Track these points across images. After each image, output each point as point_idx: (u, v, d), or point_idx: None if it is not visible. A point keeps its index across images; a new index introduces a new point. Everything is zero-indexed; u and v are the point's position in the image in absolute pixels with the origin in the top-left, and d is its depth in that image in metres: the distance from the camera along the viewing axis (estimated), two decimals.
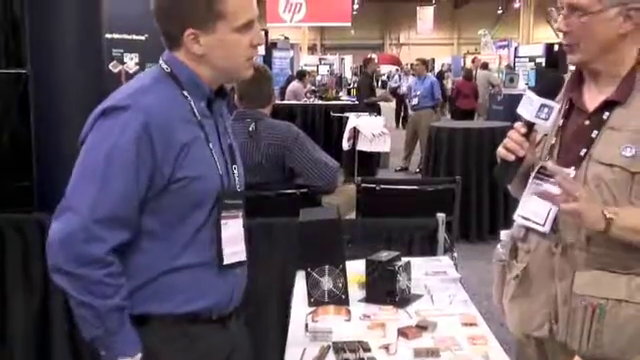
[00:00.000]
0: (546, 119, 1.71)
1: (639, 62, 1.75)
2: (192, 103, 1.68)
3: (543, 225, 1.81)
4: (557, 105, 1.73)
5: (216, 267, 1.70)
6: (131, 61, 5.15)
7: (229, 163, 1.77)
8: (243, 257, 1.77)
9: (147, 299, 1.66)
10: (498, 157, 1.80)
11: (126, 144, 1.55)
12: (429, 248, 3.03)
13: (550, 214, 1.79)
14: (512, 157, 1.75)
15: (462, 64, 24.55)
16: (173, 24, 1.66)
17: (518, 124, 1.77)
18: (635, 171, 1.68)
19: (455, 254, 3.02)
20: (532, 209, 1.83)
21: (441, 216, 3.02)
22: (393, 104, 15.94)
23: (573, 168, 1.75)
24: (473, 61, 19.02)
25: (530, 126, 1.75)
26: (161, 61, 1.72)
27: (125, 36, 5.04)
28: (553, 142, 1.85)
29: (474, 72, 16.26)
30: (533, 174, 1.82)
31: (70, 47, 3.28)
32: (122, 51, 5.12)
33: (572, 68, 1.91)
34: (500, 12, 42.02)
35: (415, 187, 3.69)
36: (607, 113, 1.74)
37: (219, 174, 1.69)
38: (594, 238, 1.73)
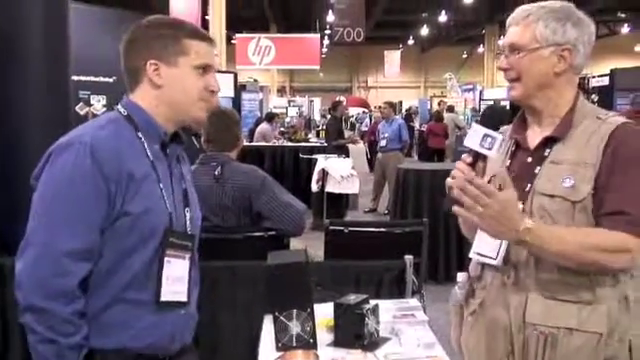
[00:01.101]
0: (490, 148, 1.75)
1: (576, 103, 1.89)
2: (145, 145, 1.76)
3: (495, 258, 1.89)
4: (500, 136, 1.76)
5: (154, 303, 1.75)
6: (98, 103, 5.14)
7: (182, 205, 1.84)
8: (183, 298, 1.82)
9: (94, 333, 1.69)
10: (447, 188, 1.82)
11: (80, 175, 1.63)
12: (397, 290, 3.03)
13: (502, 246, 1.87)
14: None
15: (429, 107, 24.88)
16: (138, 55, 1.78)
17: (465, 155, 1.82)
18: (575, 200, 1.78)
19: (423, 296, 3.03)
20: (484, 244, 1.91)
21: (409, 258, 3.02)
22: (362, 146, 15.95)
23: (521, 203, 1.81)
24: (439, 104, 19.34)
25: (475, 156, 1.79)
26: (119, 106, 1.82)
27: (92, 78, 5.04)
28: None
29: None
30: None
31: (36, 89, 3.26)
32: (89, 93, 5.11)
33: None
34: (465, 56, 42.93)
35: (383, 229, 3.69)
36: (548, 150, 1.87)
37: (167, 212, 1.76)
38: (542, 265, 1.81)
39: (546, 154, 1.87)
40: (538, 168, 1.86)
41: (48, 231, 1.62)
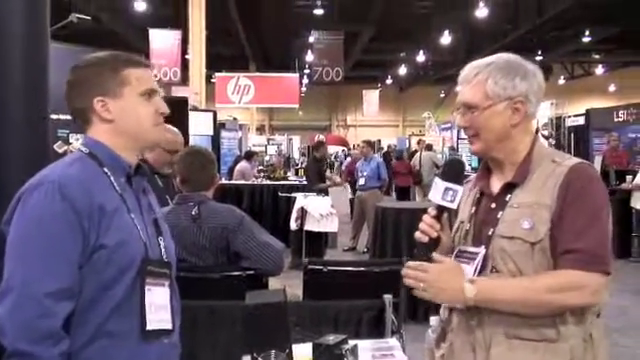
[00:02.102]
0: (452, 201, 1.91)
1: (532, 147, 1.95)
2: (112, 178, 1.78)
3: None
4: (460, 188, 1.92)
5: (140, 333, 1.73)
6: (77, 142, 5.11)
7: (154, 234, 1.86)
8: (168, 326, 1.81)
9: None
10: (416, 239, 1.96)
11: (52, 213, 1.64)
12: (377, 329, 3.01)
13: None
14: (425, 238, 1.93)
15: (407, 145, 25.07)
16: (83, 97, 1.81)
17: (430, 208, 1.96)
18: (533, 241, 1.82)
19: (403, 335, 3.02)
20: None
21: (388, 297, 3.02)
22: (346, 185, 15.09)
23: (483, 247, 1.91)
24: (418, 142, 19.49)
25: (440, 209, 1.94)
26: (80, 145, 1.85)
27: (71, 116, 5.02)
28: (467, 228, 2.01)
29: (419, 153, 16.67)
30: (452, 257, 1.97)
31: (15, 127, 3.24)
32: (68, 132, 5.10)
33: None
34: (443, 96, 43.44)
35: (362, 268, 3.69)
36: (509, 195, 1.92)
37: (142, 241, 1.77)
38: None
39: (507, 199, 1.92)
40: (500, 213, 1.91)
41: (26, 273, 1.60)
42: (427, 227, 1.93)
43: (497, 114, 1.92)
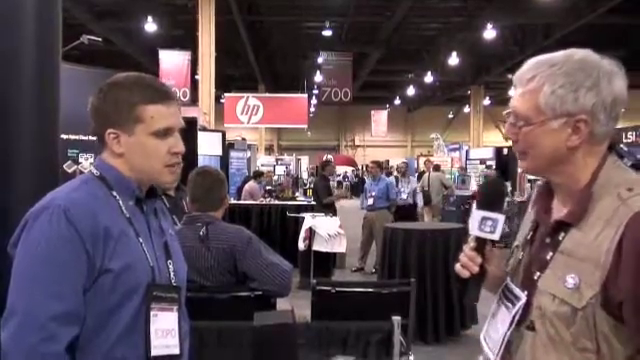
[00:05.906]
0: (492, 232, 1.64)
1: (596, 175, 1.52)
2: (120, 202, 1.76)
3: (495, 353, 1.65)
4: (501, 217, 1.64)
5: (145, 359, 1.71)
6: (86, 161, 5.15)
7: (163, 258, 1.83)
8: (176, 351, 1.78)
9: None
10: (456, 274, 1.69)
11: (56, 238, 1.63)
12: (385, 351, 3.00)
13: (504, 340, 1.62)
14: (466, 273, 1.66)
15: (416, 165, 25.10)
16: (100, 124, 1.80)
17: (469, 239, 1.68)
18: (577, 307, 1.44)
19: (411, 357, 3.00)
20: (491, 332, 1.69)
21: (396, 319, 3.00)
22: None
23: (526, 292, 1.57)
24: (425, 163, 19.50)
25: (479, 241, 1.67)
26: (91, 167, 1.83)
27: (81, 137, 5.07)
28: (520, 257, 1.68)
29: (427, 174, 16.65)
30: (499, 291, 1.70)
31: (25, 146, 3.27)
32: (77, 151, 5.14)
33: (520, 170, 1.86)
34: (451, 116, 43.53)
35: (370, 290, 3.68)
36: (562, 234, 1.53)
37: (150, 266, 1.74)
38: None
39: (560, 239, 1.52)
40: (550, 255, 1.53)
41: (30, 297, 1.60)
42: (467, 261, 1.65)
43: (550, 133, 1.51)
